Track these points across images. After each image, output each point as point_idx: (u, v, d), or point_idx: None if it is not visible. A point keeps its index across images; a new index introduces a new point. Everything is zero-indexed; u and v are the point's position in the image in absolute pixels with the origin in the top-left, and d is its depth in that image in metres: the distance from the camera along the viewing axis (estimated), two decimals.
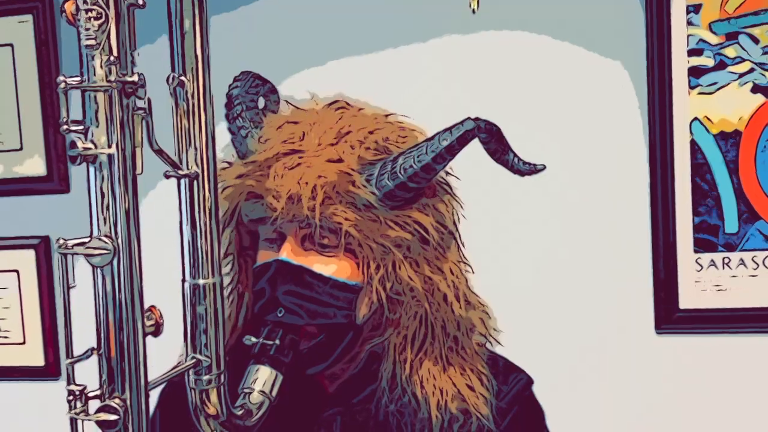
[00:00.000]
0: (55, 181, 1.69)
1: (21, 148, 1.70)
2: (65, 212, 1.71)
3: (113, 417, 0.55)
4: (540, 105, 1.52)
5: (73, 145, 0.54)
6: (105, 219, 0.55)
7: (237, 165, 0.91)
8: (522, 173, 0.88)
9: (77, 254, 0.55)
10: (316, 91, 0.98)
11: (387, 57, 1.57)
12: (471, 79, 1.54)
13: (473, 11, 1.65)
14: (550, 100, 1.52)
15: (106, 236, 0.55)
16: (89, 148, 0.54)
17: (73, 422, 0.57)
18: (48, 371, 1.72)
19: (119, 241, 0.54)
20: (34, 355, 1.72)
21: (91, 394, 0.57)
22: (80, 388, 0.57)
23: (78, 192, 1.71)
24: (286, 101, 0.96)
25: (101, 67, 0.53)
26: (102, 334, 0.57)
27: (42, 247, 1.71)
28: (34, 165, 1.69)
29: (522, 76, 1.53)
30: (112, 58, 0.52)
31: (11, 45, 1.68)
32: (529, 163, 0.88)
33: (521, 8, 1.52)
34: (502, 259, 1.51)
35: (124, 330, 0.57)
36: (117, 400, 0.56)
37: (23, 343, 1.72)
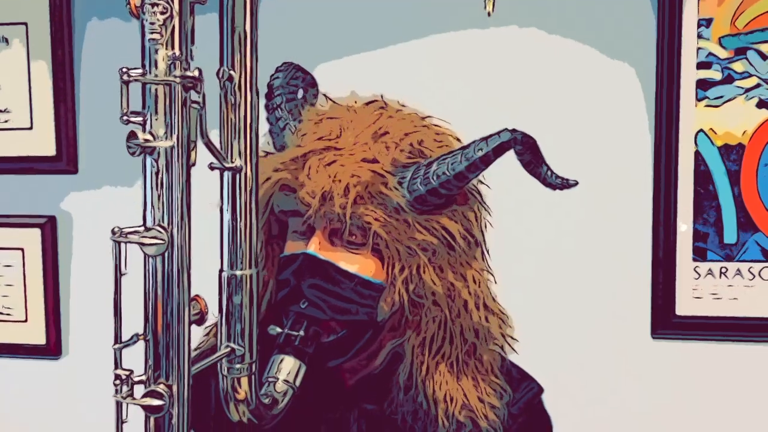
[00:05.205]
0: (63, 162, 1.69)
1: (31, 128, 1.70)
2: (72, 193, 1.72)
3: (159, 402, 0.57)
4: (549, 110, 1.54)
5: (133, 136, 0.55)
6: (159, 209, 0.57)
7: (273, 156, 0.92)
8: (554, 187, 0.88)
9: (132, 242, 0.56)
10: (340, 86, 0.99)
11: (401, 52, 1.58)
12: (479, 78, 1.56)
13: (488, 14, 1.68)
14: (561, 105, 1.54)
15: (160, 226, 0.56)
16: (149, 140, 0.55)
17: (119, 405, 0.58)
18: (49, 350, 1.73)
19: (174, 231, 0.56)
20: (35, 333, 1.72)
21: (136, 379, 0.59)
22: (127, 372, 0.59)
23: (86, 173, 1.71)
24: (324, 95, 0.97)
25: (163, 61, 0.55)
26: (150, 321, 0.59)
27: (48, 226, 1.71)
28: (44, 145, 1.69)
29: (532, 81, 1.55)
30: (177, 54, 0.54)
31: (25, 24, 1.68)
32: (562, 178, 0.88)
33: (535, 15, 1.54)
34: (511, 264, 1.53)
35: (173, 318, 0.58)
36: (162, 386, 0.58)
37: (25, 320, 1.73)
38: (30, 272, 1.72)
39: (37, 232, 1.71)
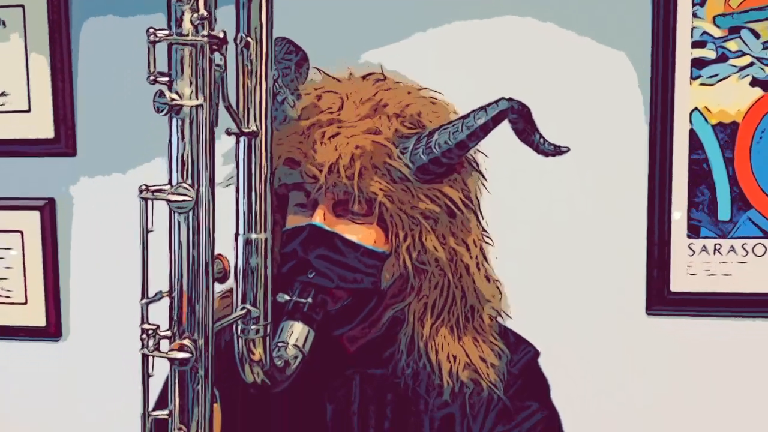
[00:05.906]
0: (62, 144, 1.69)
1: (29, 110, 1.69)
2: (71, 175, 1.72)
3: (186, 355, 0.58)
4: (545, 89, 1.55)
5: (161, 95, 0.56)
6: (185, 168, 0.58)
7: (275, 130, 0.93)
8: (546, 154, 0.90)
9: (160, 200, 0.57)
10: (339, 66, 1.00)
11: (399, 43, 1.59)
12: (477, 62, 1.58)
13: None
14: (558, 84, 1.55)
15: (187, 184, 0.57)
16: (176, 99, 0.56)
17: (145, 359, 0.60)
18: (49, 331, 1.73)
19: (202, 189, 0.57)
20: (35, 316, 1.73)
21: (162, 334, 0.60)
22: (153, 327, 0.60)
23: (84, 155, 1.71)
24: (319, 70, 0.98)
25: (190, 21, 0.56)
26: (175, 278, 0.60)
27: (47, 208, 1.71)
28: (42, 127, 1.69)
29: (529, 61, 1.56)
30: (204, 14, 0.55)
31: (22, 6, 1.67)
32: (554, 145, 0.90)
33: None
34: (505, 237, 1.55)
35: (198, 274, 0.59)
36: (188, 341, 0.59)
37: (25, 303, 1.73)
38: (29, 255, 1.72)
39: (36, 214, 1.71)
